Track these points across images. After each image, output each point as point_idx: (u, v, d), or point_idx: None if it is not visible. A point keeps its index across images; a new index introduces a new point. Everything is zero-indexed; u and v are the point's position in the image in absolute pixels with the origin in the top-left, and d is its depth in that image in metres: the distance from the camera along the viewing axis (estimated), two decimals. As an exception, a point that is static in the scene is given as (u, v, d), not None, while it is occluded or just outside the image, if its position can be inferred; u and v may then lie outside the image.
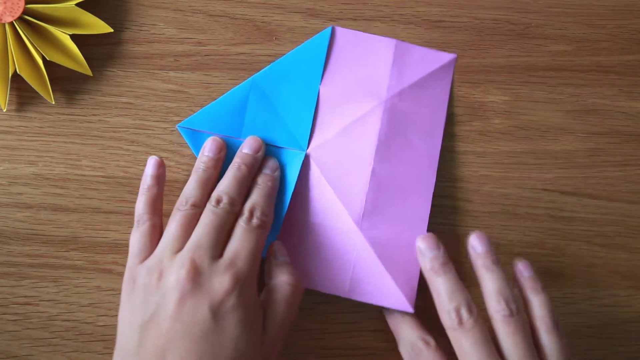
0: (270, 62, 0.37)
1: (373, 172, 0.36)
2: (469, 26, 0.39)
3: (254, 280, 0.31)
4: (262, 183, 0.34)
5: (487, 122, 0.38)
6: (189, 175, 0.36)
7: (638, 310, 0.37)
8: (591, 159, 0.38)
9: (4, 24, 0.34)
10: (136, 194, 0.35)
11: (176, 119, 0.36)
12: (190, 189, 0.33)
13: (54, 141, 0.36)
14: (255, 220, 0.32)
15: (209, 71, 0.37)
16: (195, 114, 0.36)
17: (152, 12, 0.37)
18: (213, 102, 0.36)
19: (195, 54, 0.37)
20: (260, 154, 0.35)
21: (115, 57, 0.37)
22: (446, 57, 0.38)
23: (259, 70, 0.37)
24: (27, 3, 0.34)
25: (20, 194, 0.35)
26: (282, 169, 0.36)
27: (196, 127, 0.36)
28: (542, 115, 0.38)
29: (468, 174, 0.38)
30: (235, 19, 0.38)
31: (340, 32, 0.37)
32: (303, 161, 0.36)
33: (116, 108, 0.36)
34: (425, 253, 0.33)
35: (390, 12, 0.38)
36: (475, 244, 0.33)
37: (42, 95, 0.35)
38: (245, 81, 0.36)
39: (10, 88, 0.35)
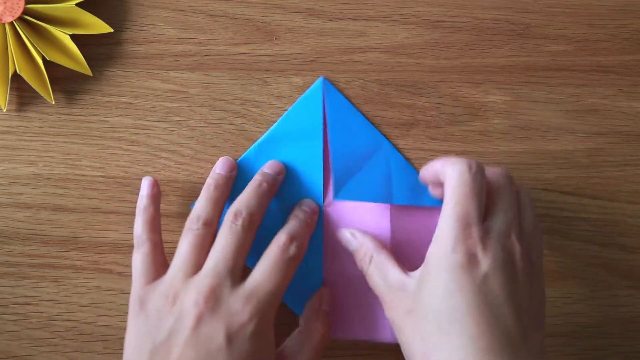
0: (270, 62, 0.37)
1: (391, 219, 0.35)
2: (469, 26, 0.39)
3: (274, 312, 0.30)
4: (303, 217, 0.34)
5: (487, 122, 0.38)
6: (188, 176, 0.36)
7: (638, 310, 0.37)
8: (591, 159, 0.38)
9: (4, 24, 0.34)
10: (136, 194, 0.35)
11: (176, 119, 0.36)
12: (202, 206, 0.32)
13: (54, 141, 0.36)
14: (293, 250, 0.31)
15: (209, 71, 0.37)
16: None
17: (152, 12, 0.37)
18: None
19: (195, 54, 0.37)
20: (281, 176, 0.35)
21: (115, 57, 0.37)
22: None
23: (258, 70, 0.37)
24: (27, 3, 0.34)
25: (20, 194, 0.35)
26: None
27: None
28: (542, 115, 0.38)
29: (468, 174, 0.38)
30: (235, 19, 0.38)
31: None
32: (323, 215, 0.35)
33: (116, 108, 0.36)
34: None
35: (390, 12, 0.38)
36: None
37: (42, 95, 0.35)
38: (250, 148, 0.36)
39: (10, 88, 0.35)
